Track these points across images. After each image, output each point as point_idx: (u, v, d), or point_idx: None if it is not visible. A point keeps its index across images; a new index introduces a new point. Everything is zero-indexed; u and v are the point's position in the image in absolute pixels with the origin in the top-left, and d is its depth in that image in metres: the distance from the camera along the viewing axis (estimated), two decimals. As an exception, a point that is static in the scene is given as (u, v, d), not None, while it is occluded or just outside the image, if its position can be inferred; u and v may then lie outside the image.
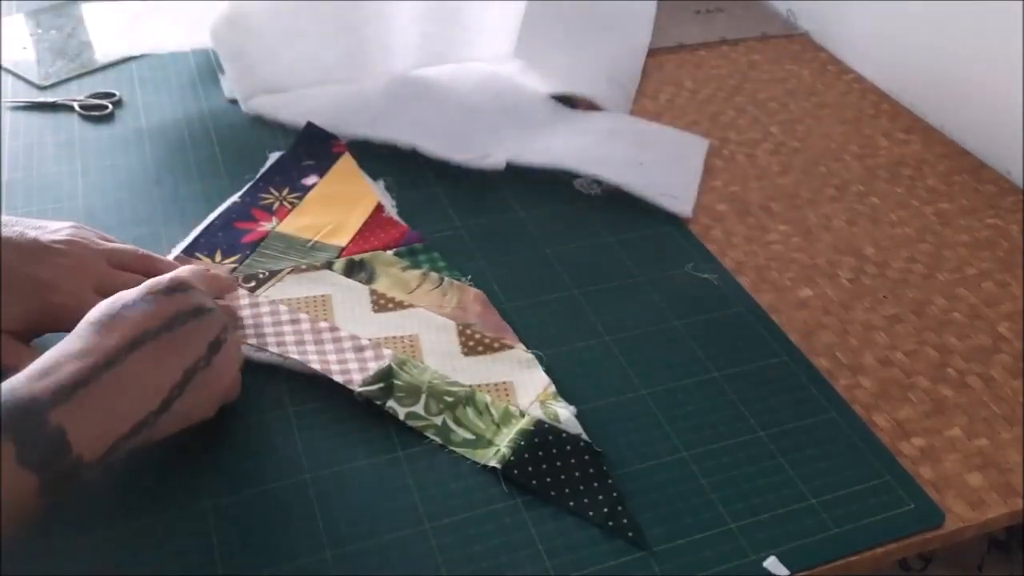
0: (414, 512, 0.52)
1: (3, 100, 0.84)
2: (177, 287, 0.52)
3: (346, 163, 0.79)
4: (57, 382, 0.44)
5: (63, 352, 0.46)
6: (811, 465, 0.57)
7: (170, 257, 0.66)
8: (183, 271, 0.54)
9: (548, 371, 0.61)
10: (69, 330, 0.55)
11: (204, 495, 0.52)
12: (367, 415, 0.57)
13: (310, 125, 0.82)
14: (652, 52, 1.02)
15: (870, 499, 0.55)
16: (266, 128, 0.83)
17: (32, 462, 0.42)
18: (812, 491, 0.55)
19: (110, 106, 0.84)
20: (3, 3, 1.00)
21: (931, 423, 0.61)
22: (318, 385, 0.58)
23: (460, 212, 0.75)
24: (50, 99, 0.85)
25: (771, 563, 0.51)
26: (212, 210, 0.72)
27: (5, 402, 0.42)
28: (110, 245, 0.59)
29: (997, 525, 0.56)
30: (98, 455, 0.45)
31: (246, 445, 0.55)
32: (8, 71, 0.89)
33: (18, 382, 0.44)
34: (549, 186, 0.79)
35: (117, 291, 0.56)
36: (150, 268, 0.59)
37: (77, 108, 0.84)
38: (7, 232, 0.55)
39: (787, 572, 0.51)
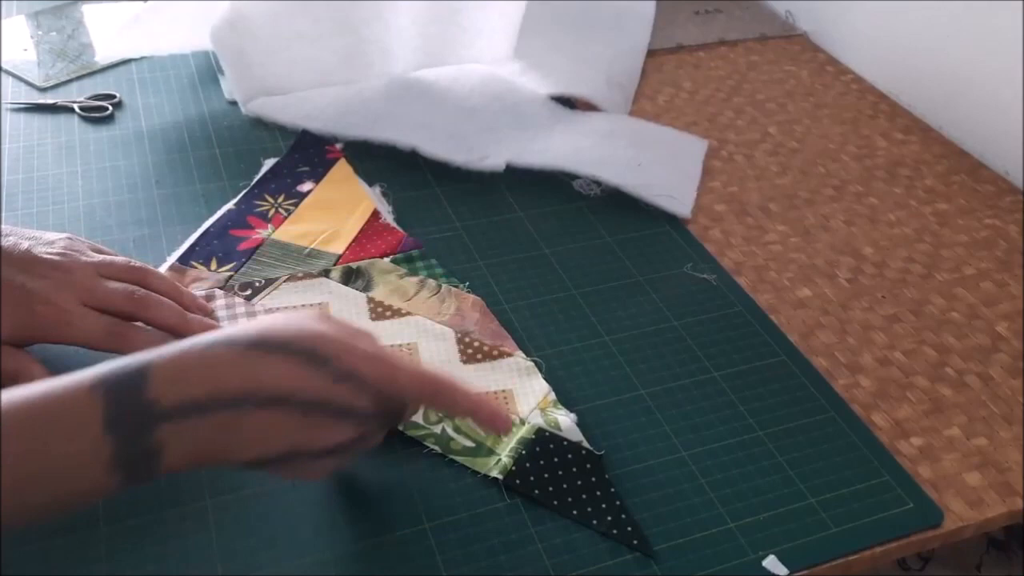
0: (414, 512, 0.52)
1: (3, 101, 0.84)
2: (350, 378, 0.45)
3: (342, 168, 0.78)
4: (184, 397, 0.42)
5: (215, 354, 0.43)
6: (810, 464, 0.57)
7: (164, 267, 0.66)
8: (395, 367, 0.48)
9: (548, 372, 0.61)
10: (55, 340, 0.55)
11: (204, 494, 0.52)
12: (367, 415, 0.57)
13: (305, 132, 0.82)
14: (651, 53, 1.02)
15: (869, 498, 0.55)
16: (266, 130, 0.83)
17: (122, 466, 0.41)
18: (811, 490, 0.55)
19: (110, 108, 0.84)
20: (3, 4, 1.00)
21: (930, 422, 0.61)
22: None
23: (459, 213, 0.75)
24: (50, 101, 0.85)
25: (770, 562, 0.51)
26: (212, 212, 0.72)
27: (129, 392, 0.41)
28: (100, 257, 0.59)
29: (996, 524, 0.57)
30: (169, 472, 0.43)
31: (246, 445, 0.55)
32: (8, 72, 0.89)
33: (160, 369, 0.42)
34: (548, 187, 0.79)
35: (104, 301, 0.56)
36: (142, 281, 0.59)
37: (77, 110, 0.84)
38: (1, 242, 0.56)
39: (786, 571, 0.51)
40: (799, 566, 0.51)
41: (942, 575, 0.69)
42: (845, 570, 0.52)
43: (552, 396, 0.59)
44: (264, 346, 0.44)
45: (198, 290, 0.64)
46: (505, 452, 0.55)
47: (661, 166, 0.82)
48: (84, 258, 0.58)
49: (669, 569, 0.50)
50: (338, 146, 0.81)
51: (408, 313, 0.64)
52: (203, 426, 0.42)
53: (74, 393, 0.41)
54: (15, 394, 0.40)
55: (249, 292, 0.64)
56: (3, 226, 0.57)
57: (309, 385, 0.44)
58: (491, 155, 0.80)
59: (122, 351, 0.54)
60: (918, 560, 0.69)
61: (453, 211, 0.76)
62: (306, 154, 0.80)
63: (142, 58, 0.92)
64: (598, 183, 0.79)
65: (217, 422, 0.42)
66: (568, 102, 0.90)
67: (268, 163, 0.78)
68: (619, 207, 0.77)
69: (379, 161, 0.80)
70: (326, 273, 0.67)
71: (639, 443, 0.57)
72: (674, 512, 0.53)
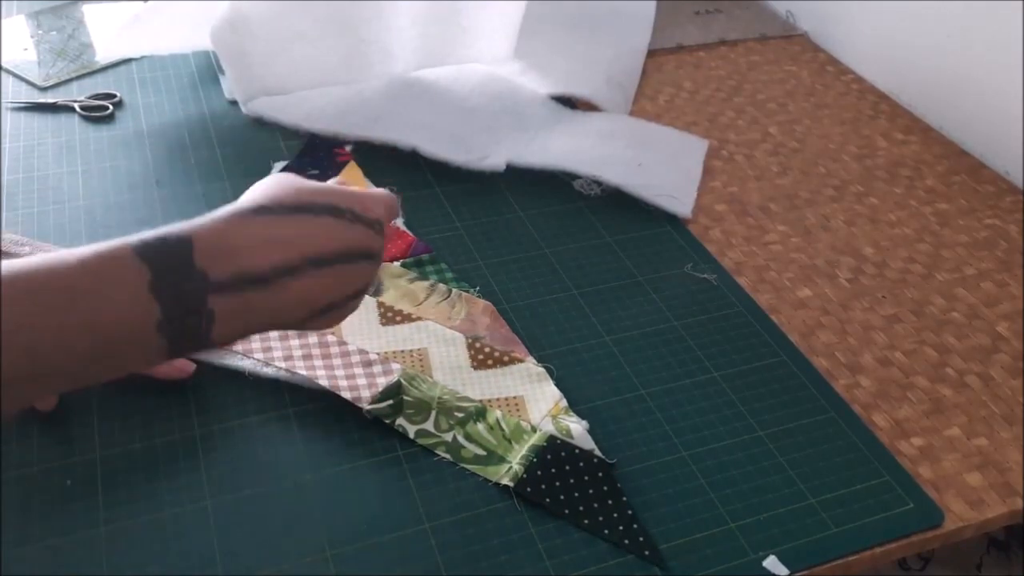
0: (414, 512, 0.52)
1: (4, 101, 0.84)
2: (367, 223, 0.47)
3: (351, 172, 0.78)
4: (240, 269, 0.42)
5: (265, 225, 0.43)
6: (810, 465, 0.57)
7: None
8: (388, 199, 0.51)
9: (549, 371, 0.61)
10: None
11: (204, 494, 0.52)
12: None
13: (314, 136, 0.82)
14: (651, 53, 1.02)
15: (869, 499, 0.55)
16: (266, 130, 0.83)
17: (170, 331, 0.40)
18: (811, 491, 0.55)
19: (111, 107, 0.84)
20: (3, 4, 1.00)
21: (930, 423, 0.61)
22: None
23: (460, 213, 0.75)
24: (51, 100, 0.85)
25: (771, 563, 0.51)
26: (212, 212, 0.72)
27: (174, 260, 0.40)
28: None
29: (996, 525, 0.57)
30: (220, 343, 0.43)
31: (247, 445, 0.55)
32: (9, 72, 0.89)
33: (204, 242, 0.41)
34: (549, 187, 0.79)
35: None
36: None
37: (78, 109, 0.84)
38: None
39: (787, 571, 0.51)
40: (799, 566, 0.51)
41: (942, 575, 0.69)
42: (845, 570, 0.52)
43: (564, 403, 0.59)
44: (300, 209, 0.44)
45: None
46: (516, 460, 0.55)
47: (661, 166, 0.82)
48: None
49: (670, 569, 0.50)
50: (347, 148, 0.81)
51: (418, 318, 0.64)
52: (258, 298, 0.42)
53: (119, 252, 0.39)
54: (64, 253, 0.39)
55: None
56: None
57: (343, 237, 0.45)
58: (491, 155, 0.80)
59: None
60: (918, 560, 0.69)
61: (453, 211, 0.76)
62: (315, 157, 0.80)
63: (142, 58, 0.92)
64: (598, 183, 0.79)
65: (273, 291, 0.43)
66: (568, 102, 0.90)
67: (278, 166, 0.78)
68: (619, 207, 0.77)
69: (380, 161, 0.79)
70: None
71: (639, 443, 0.57)
72: (674, 512, 0.53)
